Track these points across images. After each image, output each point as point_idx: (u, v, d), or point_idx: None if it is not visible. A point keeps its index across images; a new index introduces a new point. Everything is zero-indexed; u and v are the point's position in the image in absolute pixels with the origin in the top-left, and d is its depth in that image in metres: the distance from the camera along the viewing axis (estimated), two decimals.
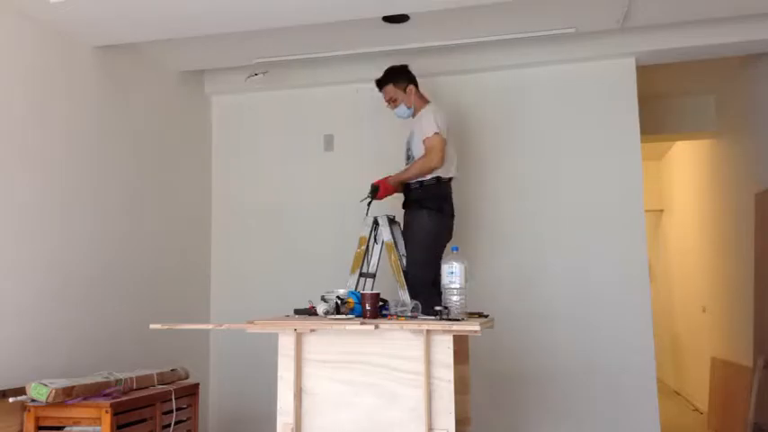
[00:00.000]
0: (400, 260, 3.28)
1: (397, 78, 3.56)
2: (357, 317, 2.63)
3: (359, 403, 2.48)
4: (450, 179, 3.49)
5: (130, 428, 2.91)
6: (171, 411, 3.17)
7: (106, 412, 2.75)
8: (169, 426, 3.16)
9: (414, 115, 3.57)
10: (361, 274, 3.28)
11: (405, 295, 3.18)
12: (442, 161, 3.38)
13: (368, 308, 2.64)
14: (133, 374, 3.14)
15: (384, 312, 2.76)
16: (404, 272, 3.25)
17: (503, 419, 3.98)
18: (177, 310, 4.18)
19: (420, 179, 3.41)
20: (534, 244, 4.10)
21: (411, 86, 3.56)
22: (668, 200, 7.81)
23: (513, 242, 4.13)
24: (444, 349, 2.42)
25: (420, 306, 2.76)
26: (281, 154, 4.57)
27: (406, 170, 3.47)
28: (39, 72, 3.23)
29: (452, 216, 3.50)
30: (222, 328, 2.78)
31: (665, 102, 5.57)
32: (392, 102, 3.58)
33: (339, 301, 2.71)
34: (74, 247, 3.39)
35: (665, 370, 7.76)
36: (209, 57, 4.12)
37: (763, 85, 4.53)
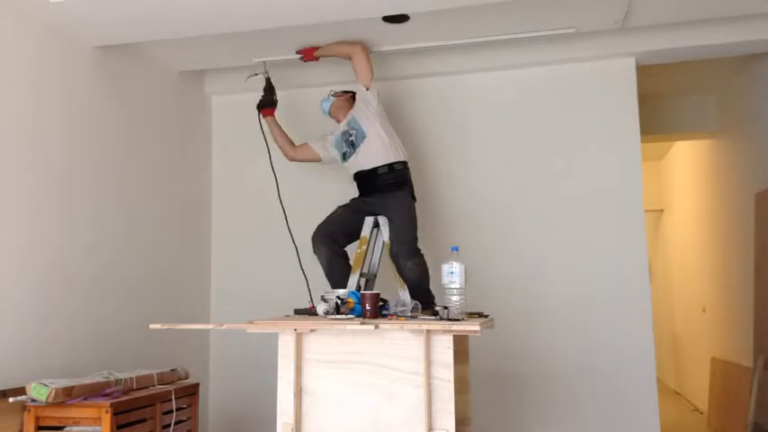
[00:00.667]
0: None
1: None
2: (357, 317, 2.63)
3: (359, 403, 2.49)
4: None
5: (130, 428, 2.91)
6: (171, 411, 3.17)
7: (106, 412, 2.75)
8: (169, 426, 3.16)
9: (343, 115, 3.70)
10: (361, 275, 3.29)
11: (405, 295, 3.18)
12: (370, 70, 3.57)
13: (368, 308, 2.65)
14: (133, 374, 3.14)
15: (384, 312, 2.76)
16: (395, 247, 3.29)
17: (503, 419, 3.98)
18: (177, 310, 4.17)
19: (387, 163, 3.46)
20: (534, 244, 4.09)
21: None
22: (668, 200, 7.81)
23: (513, 242, 4.12)
24: (444, 349, 2.42)
25: (420, 306, 2.77)
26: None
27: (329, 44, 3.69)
28: (39, 72, 3.23)
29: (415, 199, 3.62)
30: (222, 328, 2.79)
31: (664, 102, 5.57)
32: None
33: (339, 301, 2.71)
34: (74, 247, 3.38)
35: (665, 370, 7.76)
36: (209, 57, 4.12)
37: (763, 85, 4.53)
